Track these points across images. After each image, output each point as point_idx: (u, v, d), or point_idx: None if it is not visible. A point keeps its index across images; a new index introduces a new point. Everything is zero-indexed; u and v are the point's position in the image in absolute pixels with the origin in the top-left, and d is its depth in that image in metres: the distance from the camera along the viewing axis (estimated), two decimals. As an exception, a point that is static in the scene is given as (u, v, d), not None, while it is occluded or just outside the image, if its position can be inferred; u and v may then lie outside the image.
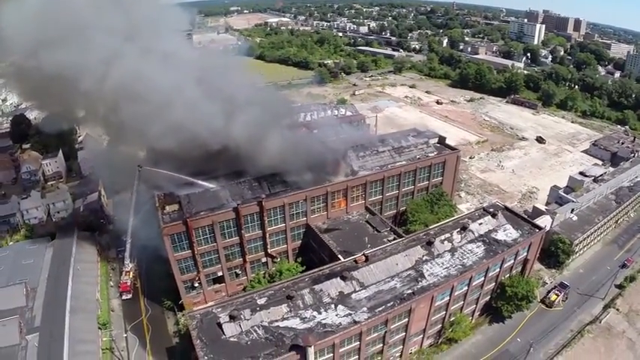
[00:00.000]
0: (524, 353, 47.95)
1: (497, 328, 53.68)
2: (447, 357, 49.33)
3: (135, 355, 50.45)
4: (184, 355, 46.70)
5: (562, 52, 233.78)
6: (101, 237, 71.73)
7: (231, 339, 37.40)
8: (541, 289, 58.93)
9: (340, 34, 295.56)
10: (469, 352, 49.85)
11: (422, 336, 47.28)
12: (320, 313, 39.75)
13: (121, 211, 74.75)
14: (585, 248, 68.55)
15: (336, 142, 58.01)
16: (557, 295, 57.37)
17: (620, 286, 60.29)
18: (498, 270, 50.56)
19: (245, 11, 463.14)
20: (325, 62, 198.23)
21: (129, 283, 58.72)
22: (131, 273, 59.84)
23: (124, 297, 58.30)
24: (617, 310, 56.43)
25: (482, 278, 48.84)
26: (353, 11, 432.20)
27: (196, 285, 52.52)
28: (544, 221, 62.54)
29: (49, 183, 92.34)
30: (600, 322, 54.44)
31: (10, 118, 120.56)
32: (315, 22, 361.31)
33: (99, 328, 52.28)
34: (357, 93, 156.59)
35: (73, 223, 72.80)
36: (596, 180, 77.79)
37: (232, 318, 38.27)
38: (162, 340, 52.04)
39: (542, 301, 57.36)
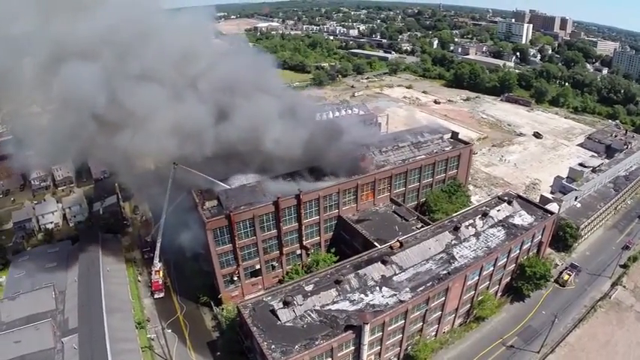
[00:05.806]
0: (546, 327, 51.60)
1: (518, 306, 57.50)
2: (477, 334, 52.76)
3: (176, 351, 51.48)
4: (228, 347, 48.02)
5: (550, 51, 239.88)
6: (123, 238, 72.75)
7: (287, 324, 39.37)
8: (553, 271, 62.97)
9: (331, 37, 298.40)
10: (496, 329, 53.44)
11: (454, 315, 50.53)
12: (367, 295, 42.42)
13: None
14: (589, 233, 73.17)
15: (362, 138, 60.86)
16: (570, 275, 61.64)
17: (625, 266, 64.95)
18: (518, 252, 54.39)
19: (232, 17, 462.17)
20: (322, 65, 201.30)
21: (161, 282, 59.74)
22: (161, 272, 61.02)
23: (156, 296, 59.10)
24: (624, 287, 60.95)
25: (505, 259, 52.56)
26: (341, 15, 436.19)
27: (235, 278, 54.19)
28: (552, 208, 66.61)
29: (59, 188, 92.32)
30: (610, 298, 58.78)
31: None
32: (304, 27, 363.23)
33: (135, 326, 53.18)
34: (356, 94, 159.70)
35: (94, 225, 73.60)
36: (594, 170, 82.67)
37: (286, 304, 40.32)
38: (202, 335, 53.17)
39: (556, 281, 61.50)
